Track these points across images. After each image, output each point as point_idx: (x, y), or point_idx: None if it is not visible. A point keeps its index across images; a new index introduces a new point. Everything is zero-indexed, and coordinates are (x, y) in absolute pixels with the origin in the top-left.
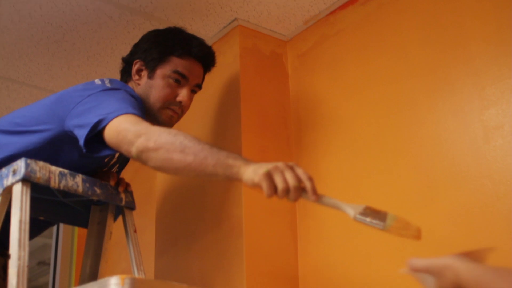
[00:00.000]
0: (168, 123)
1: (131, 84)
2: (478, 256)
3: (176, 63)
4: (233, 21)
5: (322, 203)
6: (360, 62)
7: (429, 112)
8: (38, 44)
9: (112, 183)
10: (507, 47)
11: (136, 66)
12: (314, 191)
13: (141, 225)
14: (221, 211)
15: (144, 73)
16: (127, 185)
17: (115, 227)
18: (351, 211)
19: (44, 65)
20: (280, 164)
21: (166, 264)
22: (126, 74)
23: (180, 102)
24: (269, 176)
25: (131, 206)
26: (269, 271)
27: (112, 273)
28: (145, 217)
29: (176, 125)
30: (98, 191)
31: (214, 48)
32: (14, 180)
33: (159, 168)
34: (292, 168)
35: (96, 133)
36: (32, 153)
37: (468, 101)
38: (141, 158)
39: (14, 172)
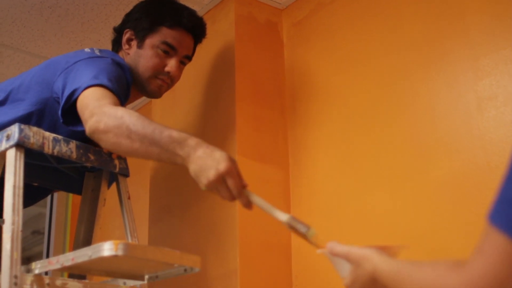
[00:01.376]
0: (157, 93)
1: (121, 54)
2: (393, 251)
3: (165, 34)
4: None
5: (256, 204)
6: (355, 31)
7: (423, 83)
8: (32, 9)
9: (105, 150)
10: (502, 18)
11: (126, 36)
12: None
13: (135, 193)
14: None
15: (134, 43)
16: None
17: (109, 195)
18: (283, 216)
19: (38, 31)
20: (220, 169)
21: (160, 232)
22: (117, 44)
23: (168, 72)
24: (212, 189)
25: (125, 173)
26: (262, 240)
27: (106, 240)
28: (139, 184)
29: (170, 92)
30: (92, 157)
31: (209, 15)
32: (7, 146)
33: (111, 150)
34: (231, 174)
35: (73, 104)
36: (21, 121)
37: (462, 71)
38: (93, 138)
39: (8, 138)
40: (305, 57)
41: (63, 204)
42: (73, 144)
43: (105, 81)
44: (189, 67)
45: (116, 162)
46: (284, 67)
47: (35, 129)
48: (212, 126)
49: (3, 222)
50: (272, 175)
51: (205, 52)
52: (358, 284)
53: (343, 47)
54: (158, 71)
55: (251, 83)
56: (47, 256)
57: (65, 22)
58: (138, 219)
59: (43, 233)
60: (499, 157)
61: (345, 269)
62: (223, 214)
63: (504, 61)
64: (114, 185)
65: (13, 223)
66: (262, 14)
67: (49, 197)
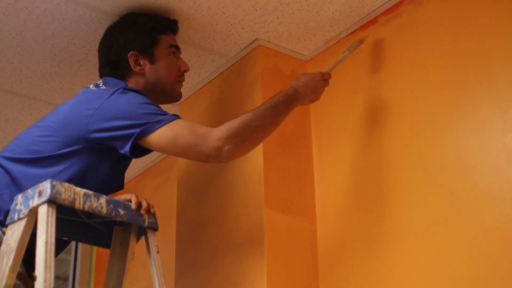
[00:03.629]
0: (180, 95)
1: (133, 78)
2: None
3: (165, 39)
4: (254, 41)
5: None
6: (381, 81)
7: (450, 133)
8: (61, 63)
9: (133, 207)
10: None
11: (132, 59)
12: None
13: (161, 244)
14: (242, 232)
15: (144, 61)
16: (150, 206)
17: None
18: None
19: (66, 84)
20: (315, 77)
21: (187, 285)
22: (119, 71)
23: (185, 70)
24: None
25: (154, 227)
26: None
27: None
28: (165, 235)
29: None
30: (121, 212)
31: (235, 67)
32: (40, 202)
33: (246, 152)
34: (320, 76)
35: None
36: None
37: (490, 122)
38: (225, 158)
39: (40, 194)
40: (331, 107)
41: (88, 252)
42: (103, 199)
43: (173, 116)
44: (215, 119)
45: (146, 216)
46: (309, 117)
47: (66, 185)
48: (239, 178)
49: (35, 278)
50: (299, 227)
51: (232, 104)
52: None
53: (368, 97)
54: (178, 75)
55: (277, 133)
56: None
57: (93, 76)
58: (164, 270)
59: (63, 279)
60: None
61: None
62: (251, 267)
63: None
64: (142, 239)
65: (45, 280)
66: (288, 66)
67: (73, 245)
